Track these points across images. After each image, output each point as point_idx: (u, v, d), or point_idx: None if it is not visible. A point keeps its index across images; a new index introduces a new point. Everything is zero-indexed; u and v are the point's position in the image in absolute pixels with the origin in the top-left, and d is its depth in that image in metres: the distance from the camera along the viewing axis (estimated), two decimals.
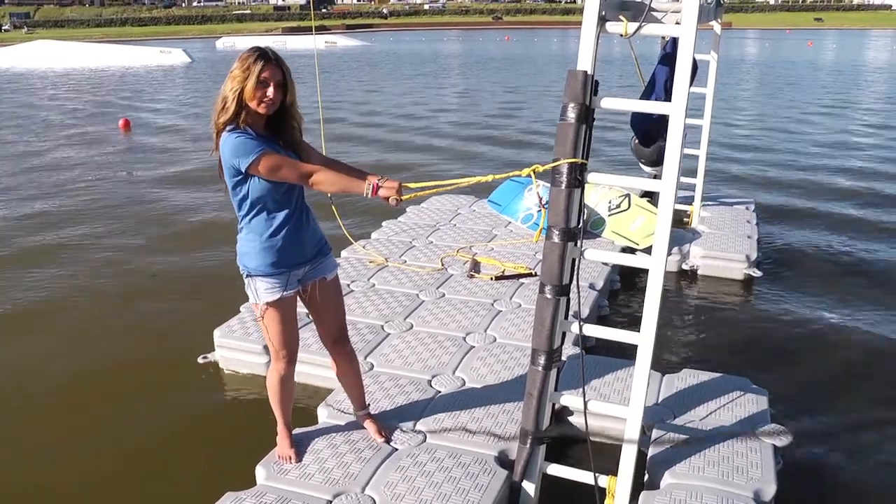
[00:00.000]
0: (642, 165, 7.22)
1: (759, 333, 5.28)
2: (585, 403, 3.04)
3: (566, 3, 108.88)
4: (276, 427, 3.39)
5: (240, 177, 2.88)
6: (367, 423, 3.55)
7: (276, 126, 2.97)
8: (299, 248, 3.08)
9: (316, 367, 4.34)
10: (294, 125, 3.01)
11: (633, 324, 5.15)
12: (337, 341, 3.40)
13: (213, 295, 5.96)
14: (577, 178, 2.81)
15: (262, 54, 2.83)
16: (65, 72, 31.99)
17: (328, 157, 3.24)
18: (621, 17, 2.77)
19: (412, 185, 3.08)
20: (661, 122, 6.42)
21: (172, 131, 15.24)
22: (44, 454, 3.94)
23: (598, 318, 5.24)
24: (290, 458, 3.32)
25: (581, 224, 2.91)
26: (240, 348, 4.59)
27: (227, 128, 2.86)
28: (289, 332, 3.18)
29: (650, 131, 6.73)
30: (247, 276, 3.08)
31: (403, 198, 2.96)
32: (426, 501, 3.06)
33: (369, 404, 3.64)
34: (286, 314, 3.13)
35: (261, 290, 3.05)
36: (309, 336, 4.47)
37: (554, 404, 3.19)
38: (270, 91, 2.84)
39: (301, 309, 3.25)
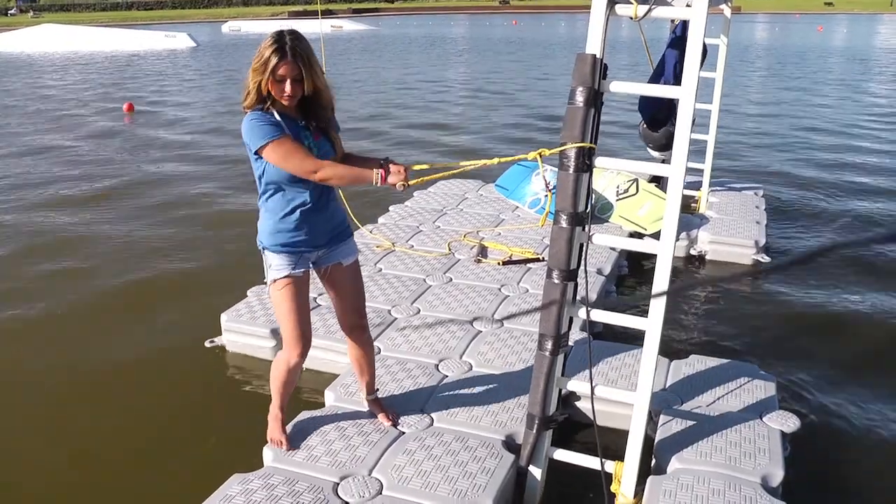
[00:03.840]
0: (650, 150, 7.17)
1: (767, 319, 5.26)
2: (592, 389, 3.03)
3: None
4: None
5: (256, 156, 2.92)
6: (376, 408, 3.56)
7: (306, 108, 2.97)
8: (311, 233, 3.07)
9: (323, 350, 4.35)
10: (324, 107, 2.98)
11: (641, 309, 5.15)
12: (354, 328, 3.38)
13: (220, 279, 5.97)
14: (586, 163, 2.79)
15: (279, 48, 2.78)
16: (70, 56, 31.93)
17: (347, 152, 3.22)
18: None
19: (418, 168, 3.07)
20: (670, 106, 6.38)
21: (176, 114, 15.22)
22: (49, 436, 3.96)
23: (606, 303, 5.23)
24: (282, 442, 3.31)
25: (589, 209, 2.90)
26: (247, 332, 4.60)
27: (254, 108, 2.89)
28: (299, 316, 3.14)
29: (658, 115, 6.68)
30: (262, 249, 3.12)
31: (410, 183, 2.95)
32: (433, 485, 3.07)
33: (377, 389, 3.64)
34: (296, 294, 3.11)
35: (273, 265, 3.09)
36: (316, 320, 4.48)
37: (561, 389, 3.19)
38: (288, 87, 2.82)
39: (312, 294, 3.24)
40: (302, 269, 3.11)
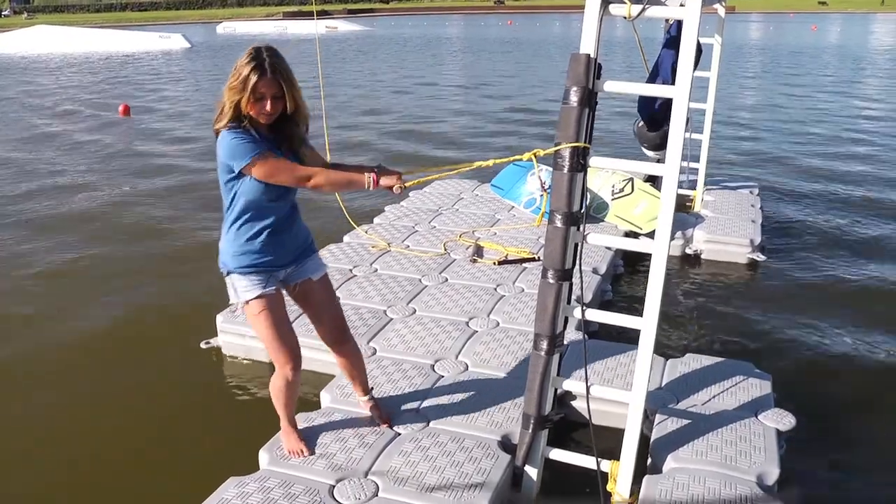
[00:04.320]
0: (645, 150, 7.19)
1: (762, 318, 5.26)
2: (588, 388, 3.03)
3: None
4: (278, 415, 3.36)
5: (232, 175, 2.83)
6: (371, 409, 3.55)
7: (279, 128, 2.88)
8: (280, 252, 3.02)
9: (318, 352, 4.34)
10: (297, 126, 2.90)
11: (637, 308, 5.15)
12: (336, 341, 3.34)
13: (216, 280, 5.95)
14: (580, 162, 2.79)
15: (258, 65, 2.69)
16: (65, 57, 31.88)
17: (331, 162, 3.15)
18: None
19: (415, 171, 3.06)
20: (668, 106, 6.38)
21: (172, 115, 15.20)
22: (43, 438, 3.95)
23: (602, 302, 5.24)
24: (302, 451, 3.27)
25: (584, 208, 2.90)
26: (242, 333, 4.59)
27: (230, 126, 2.78)
28: (281, 331, 3.08)
29: (656, 115, 6.70)
30: (226, 273, 3.03)
31: (407, 184, 2.94)
32: (429, 486, 3.06)
33: (373, 388, 3.64)
34: (272, 311, 3.04)
35: (240, 288, 3.00)
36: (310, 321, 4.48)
37: (556, 389, 3.19)
38: (268, 106, 2.76)
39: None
40: (273, 287, 3.04)
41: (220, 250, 3.04)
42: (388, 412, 3.57)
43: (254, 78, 2.69)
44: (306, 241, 3.17)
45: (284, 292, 3.17)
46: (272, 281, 3.04)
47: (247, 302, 3.02)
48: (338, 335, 3.33)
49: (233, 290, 3.05)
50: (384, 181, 2.91)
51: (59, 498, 3.54)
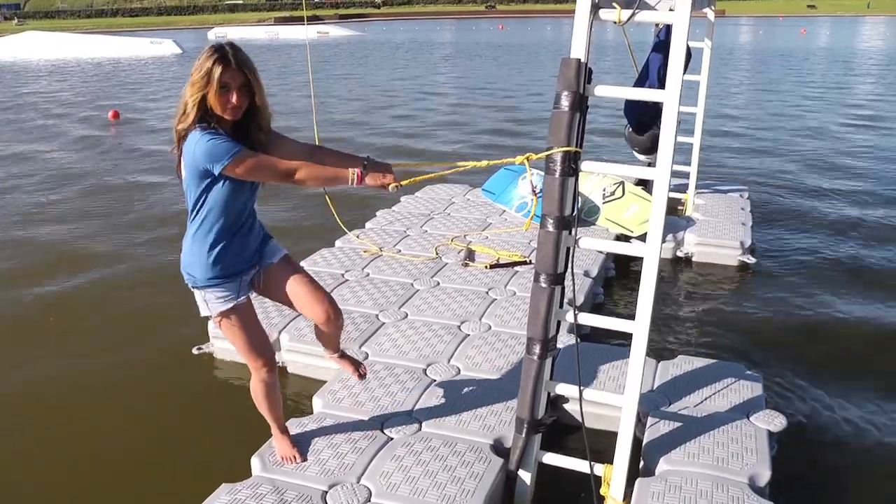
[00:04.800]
0: (636, 153, 7.21)
1: (753, 320, 5.29)
2: (581, 391, 3.04)
3: None
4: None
5: (207, 180, 2.73)
6: (342, 363, 3.47)
7: (242, 128, 2.79)
8: (246, 255, 2.96)
9: (310, 357, 4.34)
10: (261, 126, 2.81)
11: (629, 311, 5.16)
12: (326, 313, 3.08)
13: None
14: (571, 167, 2.80)
15: (221, 56, 2.63)
16: (55, 63, 31.78)
17: (313, 144, 3.08)
18: (614, 3, 2.75)
19: (405, 165, 3.03)
20: (655, 109, 6.41)
21: (161, 119, 15.15)
22: (36, 446, 3.94)
23: (594, 305, 5.25)
24: (295, 457, 3.26)
25: (575, 212, 2.90)
26: None
27: (198, 126, 2.68)
28: (256, 338, 3.04)
29: (644, 119, 6.72)
30: (193, 287, 2.93)
31: (403, 183, 2.90)
32: (422, 490, 3.06)
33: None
34: (246, 319, 2.99)
35: (212, 301, 2.92)
36: (304, 326, 4.47)
37: (549, 392, 3.19)
38: (234, 97, 2.67)
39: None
40: (244, 295, 2.98)
41: (182, 261, 2.92)
42: (359, 363, 3.51)
43: (218, 69, 2.62)
44: (261, 233, 3.08)
45: (252, 294, 3.08)
46: (243, 288, 2.98)
47: (221, 313, 2.94)
48: (326, 307, 3.08)
49: (204, 304, 2.95)
50: (370, 180, 2.83)
51: (58, 498, 3.54)
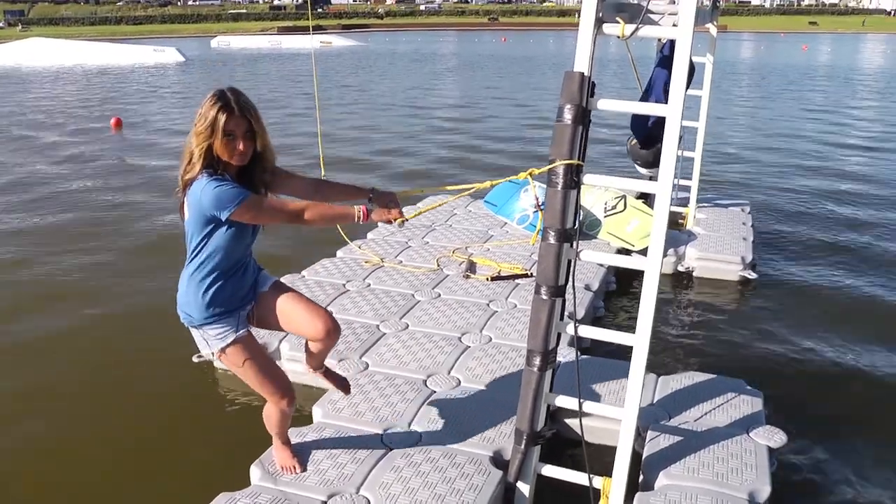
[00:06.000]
0: (638, 167, 7.22)
1: (754, 335, 5.28)
2: (581, 404, 3.04)
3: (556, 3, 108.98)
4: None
5: (212, 225, 2.73)
6: (327, 379, 3.45)
7: (247, 171, 2.80)
8: (242, 291, 2.95)
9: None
10: (265, 167, 2.82)
11: (629, 325, 5.16)
12: (325, 330, 3.04)
13: None
14: (574, 180, 2.81)
15: (224, 104, 2.64)
16: (59, 70, 31.85)
17: (318, 179, 3.08)
18: (618, 18, 2.77)
19: (409, 193, 3.06)
20: (662, 124, 6.41)
21: (164, 129, 15.19)
22: (35, 452, 3.93)
23: (594, 319, 5.25)
24: (294, 467, 3.25)
25: (577, 225, 2.91)
26: None
27: (205, 172, 2.68)
28: (266, 369, 3.01)
29: (652, 133, 6.72)
30: (191, 326, 2.93)
31: (408, 217, 2.93)
32: (421, 502, 3.05)
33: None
34: (252, 353, 2.97)
35: (212, 339, 2.90)
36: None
37: (549, 405, 3.19)
38: (240, 145, 2.68)
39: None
40: (244, 328, 2.96)
41: (179, 301, 2.91)
42: (344, 378, 3.51)
43: (222, 118, 2.63)
44: (255, 267, 3.07)
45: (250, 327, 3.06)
46: (241, 322, 2.96)
47: (223, 350, 2.92)
48: (324, 323, 3.03)
49: (203, 342, 2.94)
50: (375, 216, 2.88)
51: (58, 498, 3.54)
